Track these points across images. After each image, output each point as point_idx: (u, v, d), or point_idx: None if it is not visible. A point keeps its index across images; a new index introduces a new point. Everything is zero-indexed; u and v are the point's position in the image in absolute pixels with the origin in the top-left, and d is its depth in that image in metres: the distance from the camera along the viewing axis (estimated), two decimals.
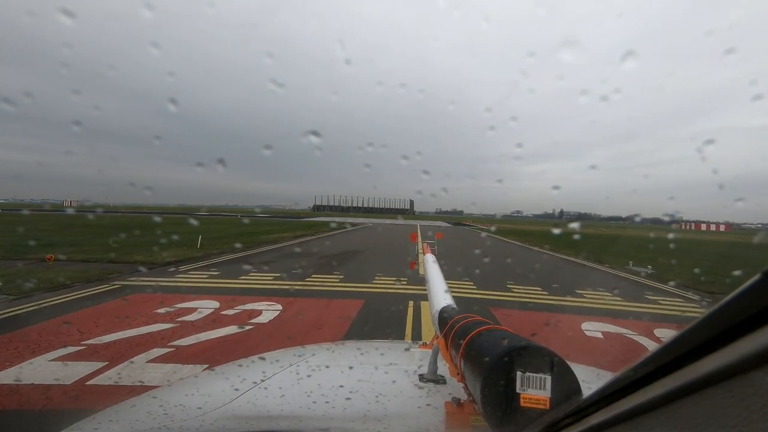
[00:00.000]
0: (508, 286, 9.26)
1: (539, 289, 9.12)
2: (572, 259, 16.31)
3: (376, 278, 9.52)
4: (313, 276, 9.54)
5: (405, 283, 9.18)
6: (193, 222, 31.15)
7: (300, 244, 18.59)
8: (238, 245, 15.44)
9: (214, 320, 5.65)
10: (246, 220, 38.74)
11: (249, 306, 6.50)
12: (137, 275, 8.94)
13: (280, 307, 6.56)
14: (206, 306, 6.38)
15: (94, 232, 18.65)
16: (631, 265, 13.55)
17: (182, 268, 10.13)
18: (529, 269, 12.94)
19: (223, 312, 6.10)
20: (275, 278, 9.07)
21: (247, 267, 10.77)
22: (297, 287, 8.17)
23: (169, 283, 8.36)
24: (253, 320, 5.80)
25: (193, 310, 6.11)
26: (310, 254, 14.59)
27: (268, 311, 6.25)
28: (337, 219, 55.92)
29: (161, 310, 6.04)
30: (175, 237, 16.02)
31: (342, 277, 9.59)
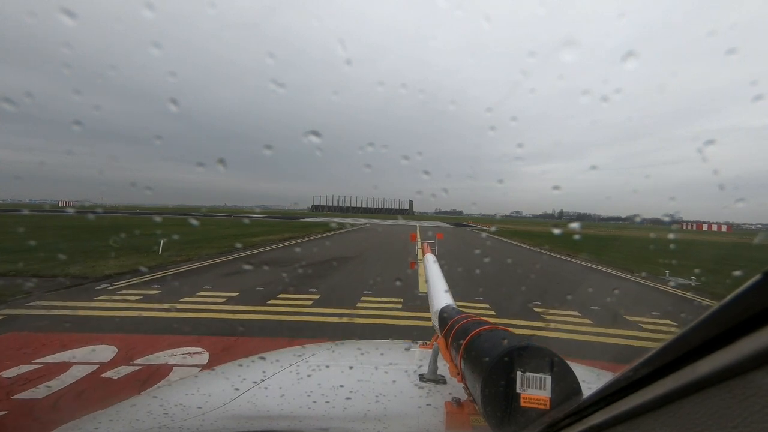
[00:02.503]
0: (536, 310, 7.16)
1: (577, 314, 6.90)
2: (595, 266, 13.87)
3: (362, 299, 7.45)
4: (280, 296, 7.46)
5: (400, 307, 6.95)
6: (180, 223, 28.72)
7: (284, 248, 16.28)
8: (211, 251, 13.57)
9: (79, 393, 3.52)
10: (237, 221, 36.31)
11: (160, 355, 4.39)
12: (47, 297, 6.96)
13: (205, 358, 4.40)
14: (93, 358, 4.27)
15: (57, 235, 17.10)
16: (668, 275, 11.41)
17: (117, 284, 8.13)
18: (552, 283, 10.75)
19: (109, 373, 3.92)
20: (227, 300, 7.10)
21: (203, 281, 8.83)
22: (248, 316, 6.17)
23: (78, 310, 6.20)
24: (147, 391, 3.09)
25: (66, 366, 4.04)
26: (289, 262, 12.37)
27: (182, 368, 4.10)
28: (334, 219, 53.81)
29: (11, 372, 3.87)
30: (142, 241, 14.04)
31: (317, 297, 7.44)
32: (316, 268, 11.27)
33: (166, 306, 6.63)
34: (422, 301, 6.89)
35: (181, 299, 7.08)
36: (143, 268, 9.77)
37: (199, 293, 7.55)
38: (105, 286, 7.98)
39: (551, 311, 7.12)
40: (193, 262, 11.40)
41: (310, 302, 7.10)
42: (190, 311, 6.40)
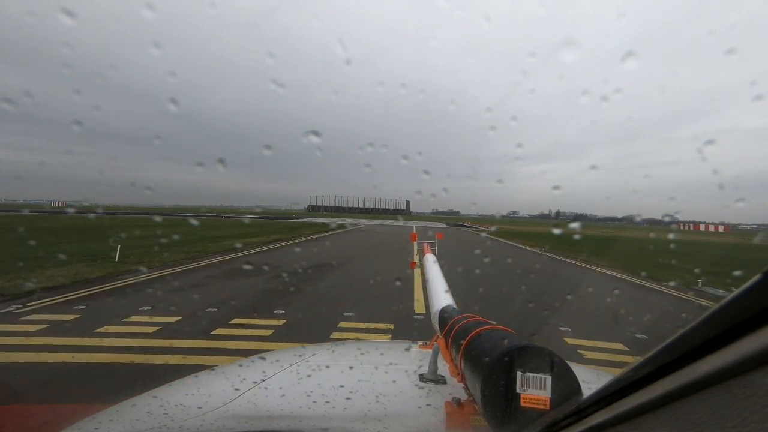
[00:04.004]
0: (567, 340, 5.60)
1: (619, 344, 5.45)
2: (615, 273, 12.27)
3: (340, 325, 5.83)
4: (233, 321, 5.80)
5: (389, 337, 5.41)
6: (165, 224, 26.89)
7: (263, 253, 14.59)
8: (179, 256, 11.99)
9: None
10: (226, 222, 34.20)
11: None
12: None
13: None
14: None
15: (14, 238, 15.57)
16: (700, 284, 9.81)
17: (32, 304, 6.52)
18: (576, 296, 8.88)
19: None
20: (159, 330, 5.37)
21: (145, 298, 7.24)
22: (166, 359, 4.45)
23: None
24: None
25: None
26: (262, 271, 10.57)
27: None
28: (329, 220, 51.61)
29: None
30: (107, 245, 12.25)
31: (281, 324, 5.79)
32: (293, 278, 9.63)
33: (70, 341, 4.91)
34: (419, 327, 5.88)
35: (98, 329, 5.36)
36: (84, 280, 8.31)
37: (128, 318, 5.84)
38: (14, 308, 6.27)
39: (584, 342, 5.49)
40: (150, 271, 9.82)
41: (269, 332, 5.44)
42: (95, 350, 4.64)
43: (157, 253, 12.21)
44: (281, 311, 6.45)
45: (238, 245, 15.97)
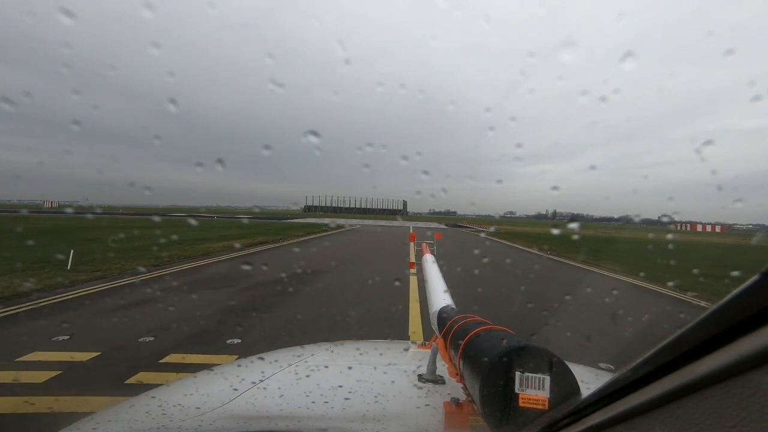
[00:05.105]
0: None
1: None
2: (653, 287, 9.80)
3: None
4: (165, 360, 4.35)
5: None
6: (148, 225, 24.11)
7: (242, 257, 13.19)
8: (144, 261, 10.65)
9: None
10: (216, 222, 31.93)
11: None
12: None
13: None
14: None
15: None
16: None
17: None
18: (619, 323, 6.76)
19: None
20: (55, 378, 3.82)
21: (68, 321, 5.68)
22: None
23: None
24: None
25: None
26: (232, 281, 8.98)
27: None
28: (324, 220, 48.81)
29: None
30: (67, 248, 10.41)
31: (234, 358, 4.40)
32: (264, 291, 7.89)
33: None
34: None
35: None
36: (13, 295, 6.90)
37: (24, 356, 4.27)
38: None
39: None
40: (100, 282, 8.18)
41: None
42: None
43: (118, 260, 10.72)
44: (236, 341, 5.00)
45: (217, 248, 14.33)
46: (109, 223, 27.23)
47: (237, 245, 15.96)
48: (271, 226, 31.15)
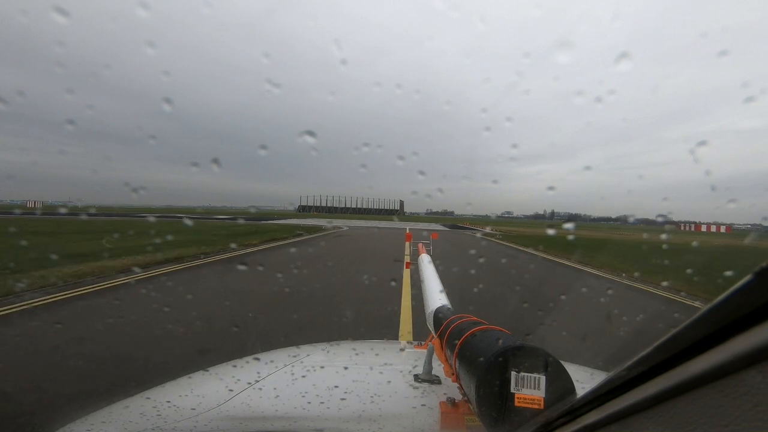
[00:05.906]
0: None
1: None
2: (684, 300, 7.96)
3: None
4: None
5: None
6: (128, 227, 21.52)
7: (206, 266, 10.41)
8: (94, 271, 8.36)
9: None
10: (204, 224, 26.95)
11: None
12: None
13: None
14: None
15: None
16: None
17: None
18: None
19: None
20: None
21: None
22: None
23: None
24: None
25: None
26: (179, 305, 6.31)
27: None
28: (318, 221, 45.78)
29: None
30: (18, 256, 9.18)
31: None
32: (211, 327, 5.23)
33: None
34: None
35: None
36: None
37: None
38: None
39: None
40: (30, 299, 6.19)
41: None
42: None
43: (67, 267, 8.61)
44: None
45: (192, 252, 11.94)
46: (78, 226, 21.34)
47: (213, 249, 13.00)
48: (258, 228, 25.65)
